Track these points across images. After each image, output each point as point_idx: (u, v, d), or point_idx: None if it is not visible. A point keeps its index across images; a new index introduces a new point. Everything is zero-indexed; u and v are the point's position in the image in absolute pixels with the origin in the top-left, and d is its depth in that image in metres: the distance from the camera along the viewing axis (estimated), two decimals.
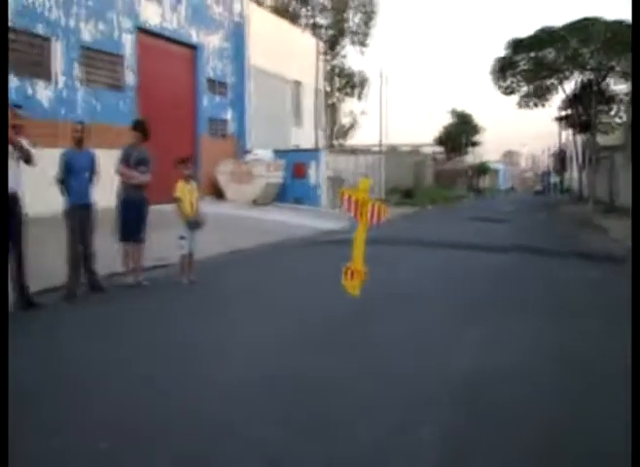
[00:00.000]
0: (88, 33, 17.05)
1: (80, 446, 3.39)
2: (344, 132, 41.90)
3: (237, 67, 24.10)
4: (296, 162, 22.65)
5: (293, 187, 22.45)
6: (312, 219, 18.60)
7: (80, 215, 7.19)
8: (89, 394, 4.21)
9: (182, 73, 21.16)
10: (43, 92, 15.91)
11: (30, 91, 15.58)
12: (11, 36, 14.89)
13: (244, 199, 21.46)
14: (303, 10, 38.09)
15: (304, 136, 29.08)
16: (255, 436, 3.49)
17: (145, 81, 18.91)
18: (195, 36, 21.65)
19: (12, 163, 6.12)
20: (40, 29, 15.69)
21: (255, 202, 21.58)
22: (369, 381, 4.52)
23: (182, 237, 7.97)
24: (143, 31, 18.99)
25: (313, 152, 23.88)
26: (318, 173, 22.52)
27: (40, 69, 15.85)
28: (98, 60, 17.61)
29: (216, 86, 23.22)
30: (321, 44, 31.00)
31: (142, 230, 7.83)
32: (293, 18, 36.72)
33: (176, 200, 7.94)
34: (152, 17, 19.41)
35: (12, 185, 6.09)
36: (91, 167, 7.36)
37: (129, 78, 18.54)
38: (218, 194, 22.40)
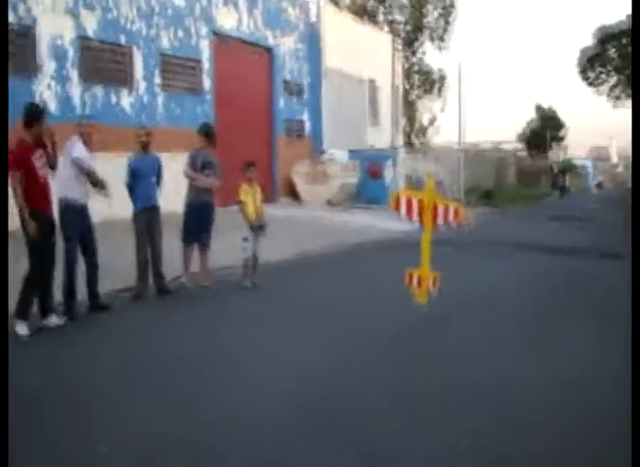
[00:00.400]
0: (167, 41, 17.64)
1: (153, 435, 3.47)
2: (423, 131, 41.29)
3: (313, 68, 24.23)
4: (371, 162, 22.49)
5: (368, 187, 22.30)
6: (385, 220, 18.39)
7: (147, 218, 7.41)
8: (155, 390, 4.33)
9: (258, 76, 21.49)
10: (126, 99, 16.60)
11: (114, 99, 16.29)
12: (96, 47, 15.67)
13: (319, 200, 21.56)
14: (381, 8, 37.82)
15: (381, 136, 28.88)
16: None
17: (222, 84, 19.35)
18: (270, 38, 21.94)
19: (82, 179, 6.47)
20: (122, 40, 16.37)
21: (329, 203, 21.62)
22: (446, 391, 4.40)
23: (245, 240, 8.07)
24: (219, 36, 19.43)
25: (389, 152, 23.63)
26: (394, 173, 22.26)
27: (123, 77, 16.54)
28: (177, 66, 18.19)
29: (292, 87, 23.45)
30: (398, 41, 30.63)
31: (207, 233, 7.96)
32: (370, 17, 36.56)
33: (240, 204, 8.04)
34: (228, 21, 19.83)
35: (79, 197, 6.45)
36: (158, 171, 7.57)
37: (207, 82, 19.04)
38: (294, 195, 22.63)
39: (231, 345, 5.68)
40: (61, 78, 14.99)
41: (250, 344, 5.69)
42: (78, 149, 6.50)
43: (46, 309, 6.17)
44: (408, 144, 36.19)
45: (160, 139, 16.53)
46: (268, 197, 21.57)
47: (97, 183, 6.56)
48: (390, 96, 29.72)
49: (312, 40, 24.05)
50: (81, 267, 6.70)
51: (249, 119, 20.70)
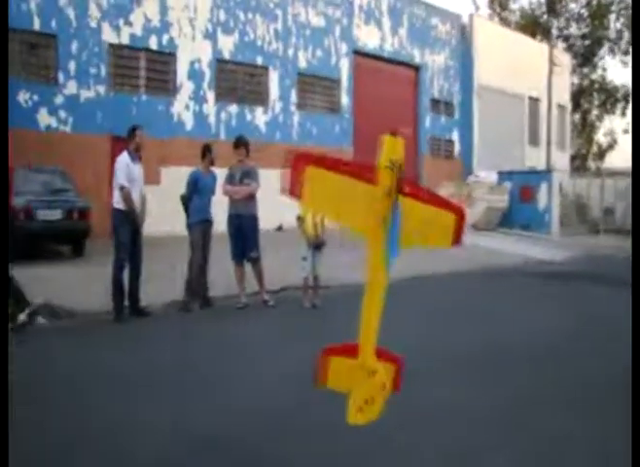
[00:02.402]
0: (304, 60, 18.04)
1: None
2: (601, 153, 37.83)
3: (464, 85, 23.35)
4: (523, 185, 20.93)
5: (519, 211, 20.75)
6: (530, 247, 16.90)
7: (201, 231, 7.42)
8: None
9: (403, 94, 21.16)
10: (261, 118, 17.21)
11: (249, 117, 16.96)
12: (231, 68, 16.48)
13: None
14: (555, 21, 35.63)
15: (542, 156, 26.93)
16: None
17: (362, 103, 19.33)
18: (417, 56, 21.56)
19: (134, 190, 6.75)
20: (259, 61, 17.06)
21: (475, 227, 20.45)
22: None
23: (304, 259, 7.66)
24: (360, 54, 19.48)
25: (543, 173, 21.85)
26: (549, 197, 20.50)
27: (258, 97, 17.20)
28: (314, 85, 18.52)
29: (441, 106, 22.79)
30: (567, 56, 28.51)
31: (254, 247, 7.66)
32: (543, 31, 34.61)
33: (299, 220, 7.69)
34: (370, 39, 19.84)
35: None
36: (214, 187, 7.61)
37: (345, 101, 19.13)
38: None
39: (253, 366, 5.36)
40: (198, 98, 15.95)
41: (276, 366, 5.33)
42: (119, 167, 6.79)
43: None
44: (582, 167, 33.35)
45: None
46: None
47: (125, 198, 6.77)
48: (556, 115, 27.64)
49: (464, 56, 23.23)
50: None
51: None
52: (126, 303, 6.98)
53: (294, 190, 2.37)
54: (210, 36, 16.08)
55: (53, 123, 13.56)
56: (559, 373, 5.14)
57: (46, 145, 12.86)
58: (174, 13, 15.43)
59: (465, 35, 23.27)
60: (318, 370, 2.66)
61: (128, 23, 14.69)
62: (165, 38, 15.33)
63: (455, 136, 23.46)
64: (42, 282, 8.39)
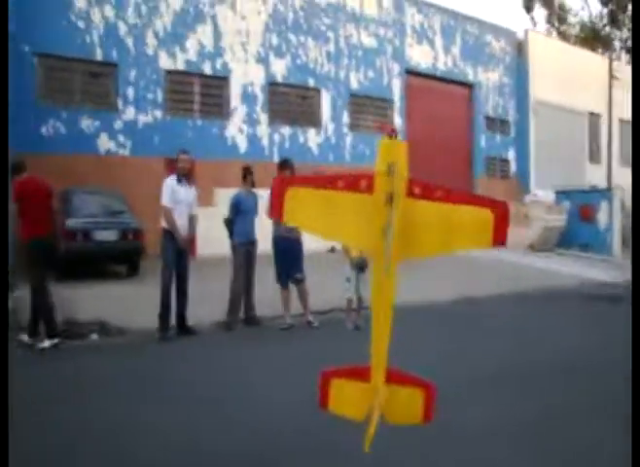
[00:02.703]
0: (356, 81, 18.29)
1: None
2: None
3: (520, 102, 23.08)
4: (582, 204, 20.42)
5: (579, 231, 20.22)
6: (589, 268, 16.45)
7: (244, 252, 7.64)
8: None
9: (456, 112, 21.11)
10: (314, 139, 17.50)
11: (302, 139, 17.28)
12: (284, 90, 16.87)
13: (520, 244, 20.13)
14: (618, 33, 34.81)
15: (604, 174, 26.19)
16: None
17: (415, 123, 19.39)
18: (471, 74, 21.49)
19: (181, 212, 7.08)
20: (311, 83, 17.40)
21: (532, 248, 20.06)
22: None
23: (347, 280, 7.74)
24: (413, 73, 19.59)
25: (604, 192, 21.26)
26: (610, 216, 19.92)
27: (310, 118, 17.51)
28: (366, 106, 18.72)
29: (496, 124, 22.58)
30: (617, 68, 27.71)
31: (299, 269, 7.79)
32: (604, 43, 33.85)
33: None
34: (423, 58, 19.93)
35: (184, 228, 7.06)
36: (256, 208, 7.82)
37: (398, 121, 19.22)
38: None
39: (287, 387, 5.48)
40: (252, 121, 16.38)
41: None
42: (164, 189, 7.17)
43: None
44: None
45: None
46: None
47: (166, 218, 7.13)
48: (609, 129, 26.86)
49: (520, 72, 22.99)
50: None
51: (446, 158, 20.34)
52: (174, 321, 7.27)
53: (273, 211, 2.41)
54: (262, 60, 16.54)
55: (113, 147, 14.21)
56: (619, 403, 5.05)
57: (105, 169, 13.48)
58: (227, 38, 15.97)
59: (520, 51, 23.05)
60: (320, 392, 2.57)
61: (184, 50, 15.30)
62: (219, 62, 15.87)
63: (511, 155, 23.15)
64: (96, 300, 8.81)
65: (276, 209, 2.39)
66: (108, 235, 10.39)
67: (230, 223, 7.80)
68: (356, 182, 2.34)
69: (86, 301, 8.72)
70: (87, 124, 13.92)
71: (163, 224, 7.18)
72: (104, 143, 14.11)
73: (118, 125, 14.31)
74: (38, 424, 4.41)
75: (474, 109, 21.67)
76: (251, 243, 7.74)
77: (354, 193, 2.35)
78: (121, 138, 14.31)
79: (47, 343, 6.71)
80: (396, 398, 2.56)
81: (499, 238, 2.23)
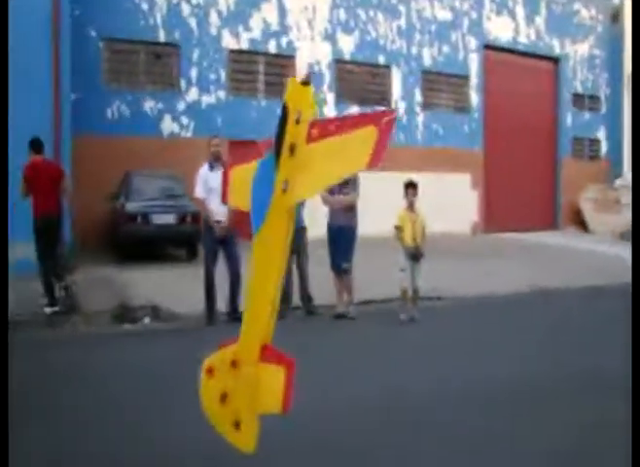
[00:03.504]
0: (429, 57, 17.83)
1: None
2: None
3: (613, 77, 21.86)
4: None
5: None
6: None
7: (293, 239, 7.53)
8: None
9: (540, 89, 20.22)
10: None
11: None
12: (352, 68, 16.68)
13: (609, 232, 19.17)
14: None
15: None
16: None
17: (493, 101, 18.73)
18: (557, 46, 20.51)
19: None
20: (381, 60, 17.10)
21: (623, 237, 19.03)
22: None
23: (402, 270, 7.55)
24: (491, 48, 18.90)
25: None
26: None
27: (380, 97, 17.24)
28: (440, 83, 18.24)
29: (585, 100, 21.51)
30: None
31: (347, 258, 7.61)
32: None
33: (397, 230, 7.58)
34: (502, 32, 19.18)
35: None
36: None
37: (475, 99, 18.64)
38: (582, 224, 20.57)
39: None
40: (318, 100, 16.26)
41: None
42: (197, 180, 7.31)
43: None
44: None
45: (418, 159, 16.87)
46: (549, 223, 20.06)
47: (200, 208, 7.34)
48: None
49: (612, 44, 21.75)
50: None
51: (528, 138, 19.56)
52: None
53: (224, 198, 2.68)
54: (329, 37, 16.38)
55: (176, 128, 14.48)
56: None
57: (168, 150, 13.75)
58: (293, 15, 15.89)
59: (614, 20, 21.79)
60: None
61: (248, 29, 15.35)
62: (284, 41, 15.83)
63: (602, 134, 22.01)
64: (152, 284, 9.02)
65: (225, 196, 2.75)
66: (166, 219, 10.61)
67: None
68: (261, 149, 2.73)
69: (142, 285, 8.94)
70: (150, 105, 14.24)
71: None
72: (167, 125, 14.39)
73: (181, 106, 14.56)
74: (96, 403, 4.54)
75: (559, 85, 20.69)
76: (301, 229, 7.62)
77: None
78: (184, 120, 14.56)
79: (48, 310, 7.43)
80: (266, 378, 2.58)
81: (376, 157, 2.14)
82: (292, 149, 2.34)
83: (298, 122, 2.36)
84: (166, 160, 13.31)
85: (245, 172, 2.58)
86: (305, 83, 2.47)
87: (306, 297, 7.78)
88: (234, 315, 7.32)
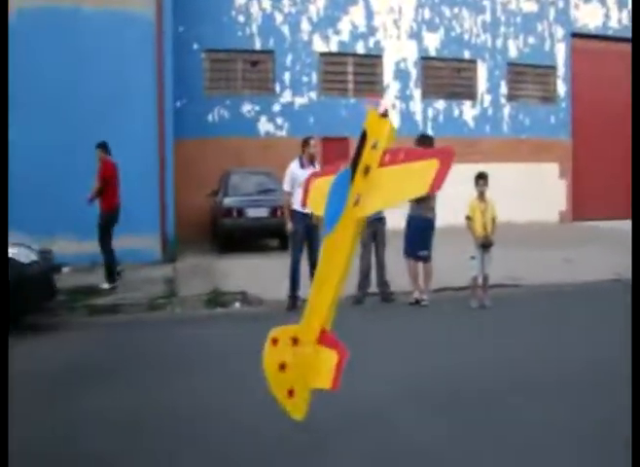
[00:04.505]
0: (515, 50, 17.23)
1: None
2: None
3: None
4: None
5: None
6: None
7: (373, 229, 7.60)
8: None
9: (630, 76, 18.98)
10: (469, 112, 16.88)
11: (456, 112, 16.76)
12: (437, 65, 16.48)
13: None
14: None
15: None
16: None
17: (581, 90, 17.85)
18: None
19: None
20: (466, 55, 16.74)
21: None
22: None
23: (472, 258, 7.47)
24: (579, 36, 17.97)
25: None
26: None
27: (466, 91, 16.89)
28: (526, 75, 17.61)
29: None
30: None
31: (425, 247, 7.59)
32: None
33: (467, 220, 7.50)
34: (591, 18, 18.18)
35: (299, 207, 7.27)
36: None
37: (562, 89, 17.84)
38: None
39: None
40: (405, 97, 16.21)
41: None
42: (286, 174, 7.58)
43: None
44: None
45: (505, 150, 16.45)
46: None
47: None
48: None
49: None
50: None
51: (618, 126, 18.45)
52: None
53: (303, 203, 3.19)
54: (415, 35, 16.23)
55: (271, 129, 14.93)
56: None
57: (265, 149, 14.22)
58: (379, 17, 15.88)
59: None
60: None
61: (337, 32, 15.51)
62: (372, 41, 15.87)
63: None
64: (244, 272, 9.42)
65: (304, 201, 3.19)
66: (260, 212, 11.02)
67: None
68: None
69: (235, 273, 9.37)
70: (247, 108, 14.76)
71: (292, 206, 7.50)
72: (264, 125, 14.87)
73: (276, 108, 14.98)
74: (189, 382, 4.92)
75: None
76: (379, 220, 7.70)
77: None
78: (279, 120, 14.98)
79: (106, 286, 8.21)
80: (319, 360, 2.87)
81: (436, 184, 2.40)
82: (366, 170, 2.66)
83: (374, 147, 2.65)
84: (263, 157, 13.78)
85: (323, 183, 2.95)
86: (384, 115, 2.69)
87: (383, 283, 7.86)
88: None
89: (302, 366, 2.89)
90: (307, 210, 7.33)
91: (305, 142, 7.63)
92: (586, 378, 4.77)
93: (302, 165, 7.47)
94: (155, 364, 5.30)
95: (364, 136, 2.76)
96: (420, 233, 7.56)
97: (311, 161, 7.57)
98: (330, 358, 2.81)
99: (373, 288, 7.94)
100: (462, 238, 8.05)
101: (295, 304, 7.50)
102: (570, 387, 4.58)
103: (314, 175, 3.16)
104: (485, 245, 7.44)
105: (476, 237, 7.46)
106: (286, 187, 7.60)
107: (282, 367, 2.95)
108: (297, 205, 7.48)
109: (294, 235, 7.60)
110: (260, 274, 9.23)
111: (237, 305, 7.93)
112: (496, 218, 7.65)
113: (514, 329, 6.52)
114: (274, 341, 3.02)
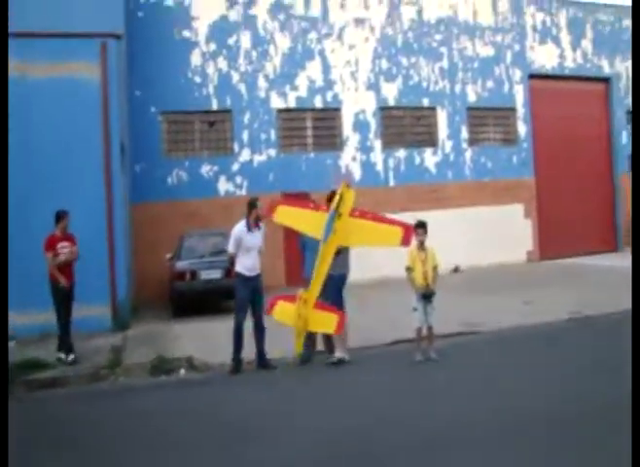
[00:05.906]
0: (473, 94, 17.84)
1: None
2: None
3: None
4: None
5: None
6: None
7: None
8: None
9: (591, 111, 19.66)
10: (430, 159, 17.35)
11: (418, 160, 17.22)
12: (397, 114, 17.03)
13: None
14: None
15: None
16: None
17: (542, 129, 18.48)
18: (606, 66, 19.93)
19: (249, 255, 7.77)
20: (425, 102, 17.33)
21: None
22: None
23: (415, 309, 7.57)
24: (537, 77, 18.68)
25: None
26: None
27: (427, 138, 17.41)
28: (486, 118, 18.19)
29: None
30: None
31: (337, 301, 7.68)
32: None
33: (407, 270, 7.63)
34: (547, 59, 18.92)
35: (244, 270, 7.70)
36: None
37: (522, 129, 18.41)
38: None
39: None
40: (365, 148, 16.69)
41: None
42: (232, 235, 7.80)
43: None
44: None
45: (468, 194, 16.87)
46: (610, 245, 19.21)
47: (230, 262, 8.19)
48: None
49: None
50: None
51: (581, 161, 19.01)
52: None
53: (268, 214, 7.31)
54: (373, 86, 16.82)
55: (231, 188, 15.33)
56: None
57: (225, 209, 14.53)
58: (336, 70, 16.50)
59: None
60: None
61: (294, 88, 16.09)
62: (330, 95, 16.44)
63: None
64: (195, 336, 9.57)
65: (269, 214, 7.14)
66: (213, 274, 11.24)
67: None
68: (318, 206, 6.76)
69: (186, 337, 9.52)
70: (206, 169, 15.19)
71: (236, 269, 7.72)
72: (223, 185, 15.27)
73: (235, 167, 15.41)
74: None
75: (612, 104, 20.00)
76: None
77: (320, 212, 7.06)
78: (238, 179, 15.39)
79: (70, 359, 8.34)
80: (319, 317, 6.96)
81: (406, 243, 6.66)
82: (339, 215, 6.63)
83: (344, 203, 6.72)
84: (224, 217, 14.04)
85: (287, 209, 7.47)
86: (348, 186, 6.77)
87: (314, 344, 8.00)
88: (263, 362, 7.67)
89: (305, 319, 6.97)
90: (252, 274, 7.59)
91: (251, 204, 7.86)
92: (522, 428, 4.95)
93: (249, 228, 7.71)
94: (87, 438, 5.41)
95: (334, 193, 6.74)
96: (334, 288, 7.64)
97: (257, 224, 7.80)
98: (332, 316, 6.95)
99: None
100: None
101: (238, 367, 7.64)
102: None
103: (275, 203, 7.42)
104: (427, 295, 7.52)
105: (416, 288, 7.56)
106: (231, 249, 7.82)
107: (299, 317, 6.95)
108: (241, 268, 7.69)
109: (238, 299, 7.81)
110: (210, 338, 9.40)
111: (182, 371, 8.04)
112: (437, 266, 7.76)
113: (453, 382, 6.64)
114: (300, 299, 6.92)
